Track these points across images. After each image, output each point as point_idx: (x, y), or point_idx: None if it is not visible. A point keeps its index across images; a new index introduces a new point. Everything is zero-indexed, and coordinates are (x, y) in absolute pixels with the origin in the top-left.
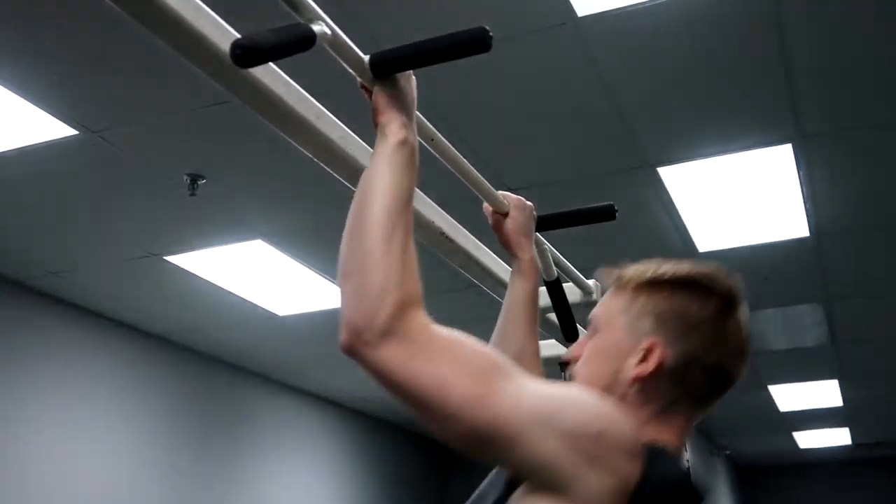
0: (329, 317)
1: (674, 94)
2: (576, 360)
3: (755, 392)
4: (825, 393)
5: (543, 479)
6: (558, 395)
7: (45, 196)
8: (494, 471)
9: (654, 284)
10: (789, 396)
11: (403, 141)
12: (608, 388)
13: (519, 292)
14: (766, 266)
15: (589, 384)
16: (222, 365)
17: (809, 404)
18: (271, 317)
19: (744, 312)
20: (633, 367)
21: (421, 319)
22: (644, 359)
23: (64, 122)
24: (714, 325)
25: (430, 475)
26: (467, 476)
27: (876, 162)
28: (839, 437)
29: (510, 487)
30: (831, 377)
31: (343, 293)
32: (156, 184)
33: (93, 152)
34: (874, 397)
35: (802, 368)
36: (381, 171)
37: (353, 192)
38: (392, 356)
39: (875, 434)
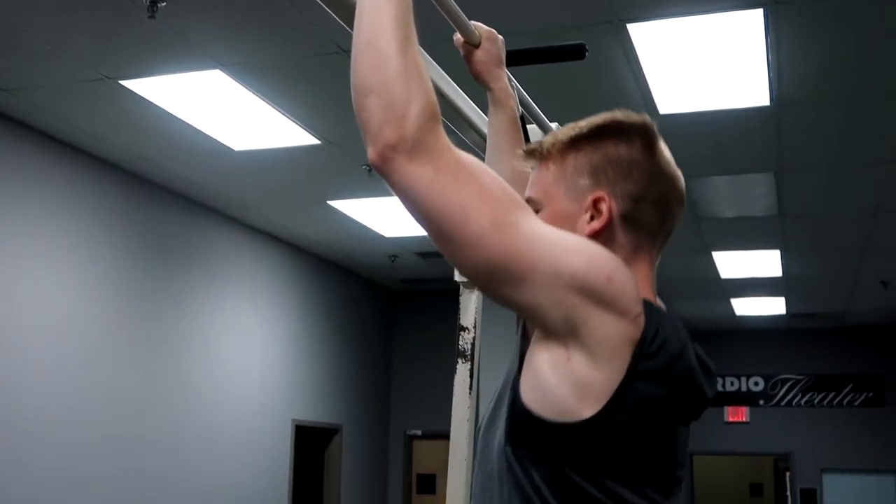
0: (284, 154)
1: None
2: None
3: (699, 257)
4: (767, 262)
5: (553, 322)
6: (570, 239)
7: None
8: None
9: (576, 143)
10: (732, 264)
11: None
12: None
13: (501, 121)
14: (723, 132)
15: None
16: (173, 196)
17: (750, 273)
18: (226, 150)
19: (662, 142)
20: (586, 226)
21: (445, 138)
22: (594, 215)
23: None
24: (646, 160)
25: (377, 320)
26: (411, 322)
27: (844, 34)
28: (775, 306)
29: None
30: (774, 247)
31: (366, 110)
32: (114, 2)
33: None
34: (813, 270)
35: (748, 237)
36: None
37: (318, 29)
38: (420, 171)
39: (810, 305)
